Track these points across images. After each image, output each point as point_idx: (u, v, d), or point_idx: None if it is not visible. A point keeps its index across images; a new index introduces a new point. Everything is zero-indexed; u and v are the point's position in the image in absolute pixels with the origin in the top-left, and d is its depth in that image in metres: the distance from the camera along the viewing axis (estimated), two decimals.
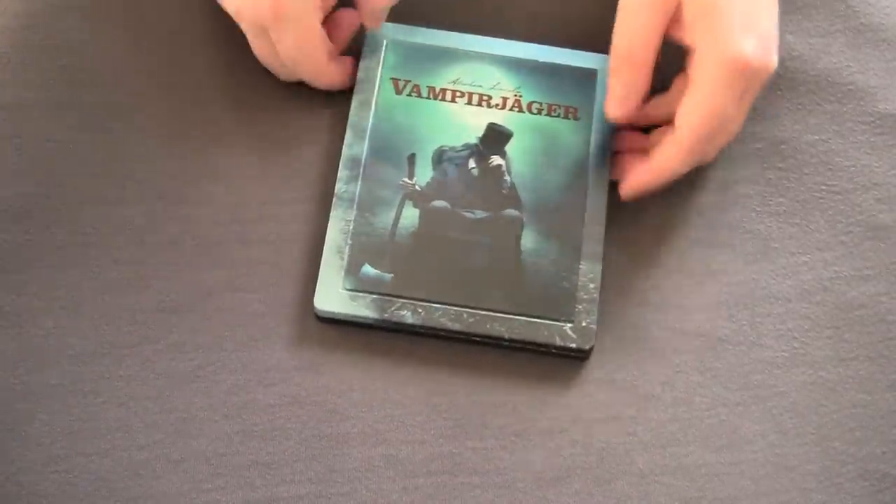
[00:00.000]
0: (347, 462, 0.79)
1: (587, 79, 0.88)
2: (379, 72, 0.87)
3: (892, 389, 0.82)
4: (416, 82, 0.87)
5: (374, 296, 0.81)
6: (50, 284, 0.82)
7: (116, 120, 0.86)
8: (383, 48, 0.88)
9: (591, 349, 0.81)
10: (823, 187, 0.87)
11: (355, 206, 0.83)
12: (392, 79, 0.87)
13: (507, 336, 0.80)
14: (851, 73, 0.90)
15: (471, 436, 0.79)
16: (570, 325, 0.81)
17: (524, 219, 0.83)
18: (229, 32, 0.89)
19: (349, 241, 0.82)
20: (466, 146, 0.85)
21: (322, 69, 0.85)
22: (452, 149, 0.85)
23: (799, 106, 0.89)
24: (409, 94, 0.87)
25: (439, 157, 0.85)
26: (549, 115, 0.86)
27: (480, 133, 0.86)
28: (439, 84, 0.87)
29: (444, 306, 0.81)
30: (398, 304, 0.81)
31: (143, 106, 0.87)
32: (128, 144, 0.86)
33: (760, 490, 0.79)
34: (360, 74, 0.87)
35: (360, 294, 0.81)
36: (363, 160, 0.84)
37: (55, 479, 0.78)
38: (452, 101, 0.86)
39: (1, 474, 0.78)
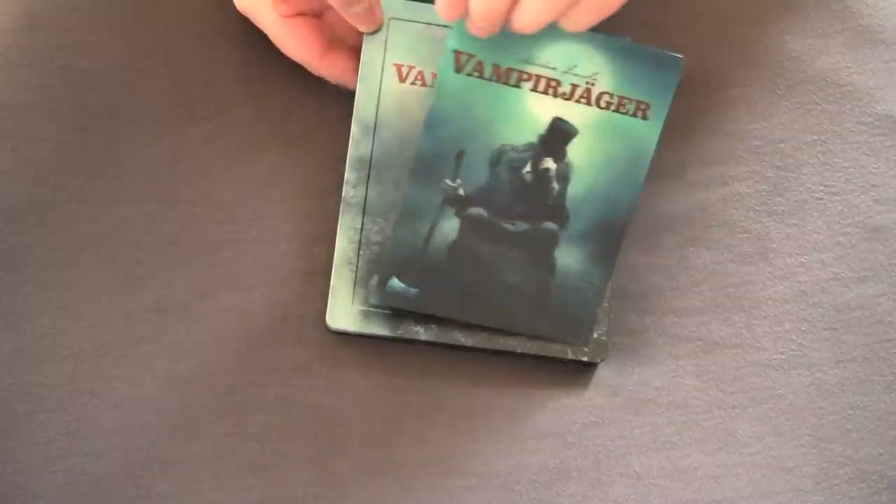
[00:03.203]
0: (345, 464, 0.79)
1: (670, 67, 0.78)
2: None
3: (890, 391, 0.82)
4: (481, 58, 0.76)
5: (388, 312, 0.80)
6: (47, 284, 0.82)
7: (113, 120, 0.86)
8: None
9: (602, 360, 0.81)
10: (821, 188, 0.87)
11: (364, 213, 0.81)
12: (455, 52, 0.76)
13: (519, 350, 0.80)
14: (850, 73, 0.90)
15: (467, 439, 0.79)
16: None
17: (560, 234, 0.78)
18: (229, 32, 0.89)
19: (360, 253, 0.81)
20: (529, 146, 0.77)
21: (312, 62, 0.84)
22: (513, 148, 0.77)
23: (797, 106, 0.89)
24: (471, 74, 0.77)
25: (499, 158, 0.78)
26: (617, 110, 0.78)
27: (543, 130, 0.77)
28: (506, 62, 0.76)
29: (457, 323, 0.80)
30: (411, 321, 0.80)
31: (141, 106, 0.86)
32: (125, 145, 0.86)
33: (757, 492, 0.79)
34: (363, 58, 0.82)
35: (374, 311, 0.80)
36: (417, 156, 0.77)
37: (52, 479, 0.78)
38: (517, 85, 0.77)
39: None
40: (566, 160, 0.77)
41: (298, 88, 0.88)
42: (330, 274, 0.82)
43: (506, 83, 0.76)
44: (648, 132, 0.78)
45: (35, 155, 0.85)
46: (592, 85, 0.77)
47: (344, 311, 0.80)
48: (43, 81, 0.87)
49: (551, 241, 0.78)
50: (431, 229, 0.77)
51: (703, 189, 0.86)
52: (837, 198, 0.87)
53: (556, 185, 0.77)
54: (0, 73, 0.87)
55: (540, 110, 0.77)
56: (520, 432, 0.80)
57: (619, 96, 0.77)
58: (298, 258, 0.83)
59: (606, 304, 0.80)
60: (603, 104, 0.77)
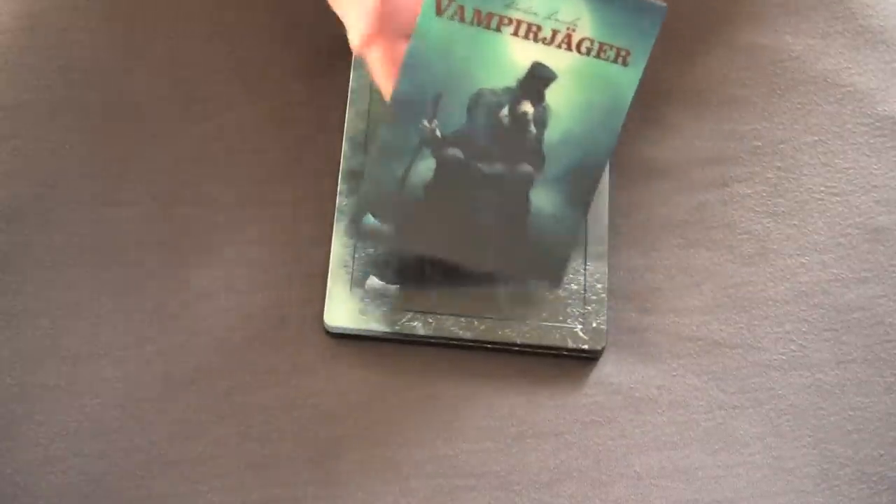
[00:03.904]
0: (344, 464, 0.79)
1: (651, 15, 0.76)
2: None
3: (890, 392, 0.82)
4: (462, 3, 0.76)
5: (384, 309, 0.80)
6: (47, 285, 0.82)
7: (113, 120, 0.86)
8: None
9: (602, 350, 0.81)
10: (822, 188, 0.87)
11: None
12: None
13: (518, 341, 0.80)
14: (850, 74, 0.90)
15: (467, 438, 0.80)
16: (580, 326, 0.81)
17: (536, 177, 0.78)
18: (229, 32, 0.89)
19: (355, 256, 0.82)
20: (508, 90, 0.77)
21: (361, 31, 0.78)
22: (492, 91, 0.77)
23: (798, 107, 0.89)
24: (452, 18, 0.76)
25: (476, 101, 0.77)
26: (598, 56, 0.77)
27: (521, 74, 0.77)
28: (487, 6, 0.76)
29: (454, 316, 0.81)
30: (408, 316, 0.80)
31: (141, 106, 0.87)
32: (125, 145, 0.86)
33: (758, 492, 0.79)
34: (351, 84, 0.86)
35: (370, 308, 0.81)
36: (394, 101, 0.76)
37: (52, 479, 0.78)
38: (498, 29, 0.76)
39: None
40: (544, 104, 0.77)
41: (298, 90, 0.88)
42: (327, 276, 0.82)
43: (486, 28, 0.76)
44: (628, 79, 0.77)
45: (35, 155, 0.85)
46: (573, 31, 0.76)
47: (341, 310, 0.80)
48: (43, 81, 0.87)
49: (526, 183, 0.78)
50: (408, 169, 0.77)
51: (703, 190, 0.86)
52: (838, 199, 0.87)
53: (533, 129, 0.77)
54: (0, 73, 0.87)
55: (520, 55, 0.76)
56: (520, 432, 0.80)
57: (600, 42, 0.76)
58: (297, 260, 0.83)
59: (604, 295, 0.81)
60: (583, 50, 0.76)
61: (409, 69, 0.76)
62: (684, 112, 0.88)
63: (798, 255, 0.85)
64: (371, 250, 0.82)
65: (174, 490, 0.78)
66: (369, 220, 0.78)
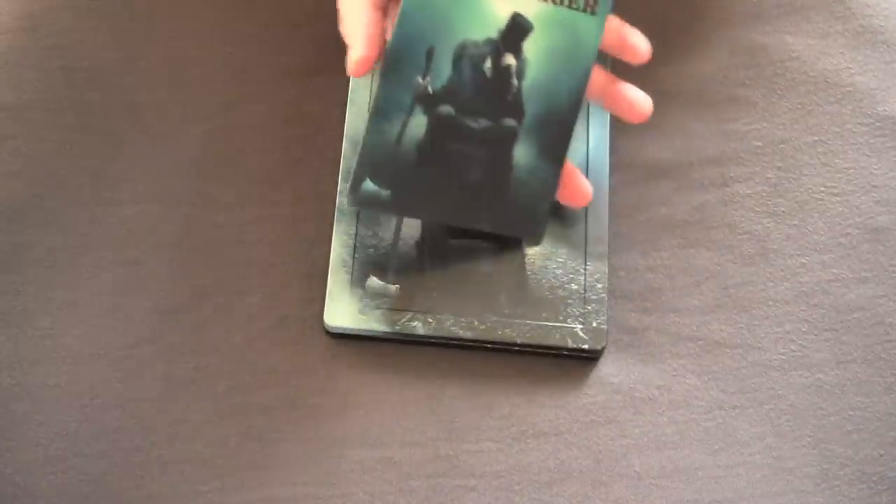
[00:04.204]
0: (344, 464, 0.78)
1: None
2: None
3: (890, 392, 0.82)
4: None
5: (384, 309, 0.80)
6: (47, 285, 0.82)
7: (114, 120, 0.86)
8: None
9: (602, 349, 0.81)
10: (822, 189, 0.87)
11: (357, 220, 0.82)
12: None
13: (518, 341, 0.80)
14: (851, 74, 0.90)
15: (467, 438, 0.79)
16: (580, 326, 0.81)
17: (519, 131, 0.78)
18: (229, 32, 0.89)
19: (355, 256, 0.82)
20: (487, 42, 0.77)
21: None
22: (475, 44, 0.77)
23: (798, 106, 0.89)
24: None
25: (460, 55, 0.77)
26: (568, 5, 0.77)
27: (503, 25, 0.77)
28: None
29: (454, 316, 0.81)
30: (408, 316, 0.80)
31: (141, 106, 0.86)
32: (125, 145, 0.86)
33: (758, 492, 0.79)
34: (351, 84, 0.86)
35: (370, 308, 0.80)
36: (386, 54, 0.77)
37: (52, 480, 0.78)
38: None
39: None
40: (522, 57, 0.77)
41: (298, 90, 0.88)
42: (327, 276, 0.82)
43: None
44: (594, 26, 0.77)
45: (35, 155, 0.85)
46: None
47: (341, 310, 0.80)
48: (43, 81, 0.87)
49: (511, 137, 0.78)
50: (403, 129, 0.77)
51: (703, 190, 0.86)
52: (838, 199, 0.87)
53: (515, 82, 0.77)
54: (0, 73, 0.87)
55: (498, 6, 0.77)
56: (520, 431, 0.80)
57: None
58: (297, 260, 0.83)
59: (604, 295, 0.81)
60: (558, 0, 0.77)
61: (401, 25, 0.76)
62: (684, 112, 0.88)
63: (798, 255, 0.85)
64: (371, 250, 0.82)
65: (174, 490, 0.78)
66: (368, 186, 0.78)
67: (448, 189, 0.78)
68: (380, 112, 0.77)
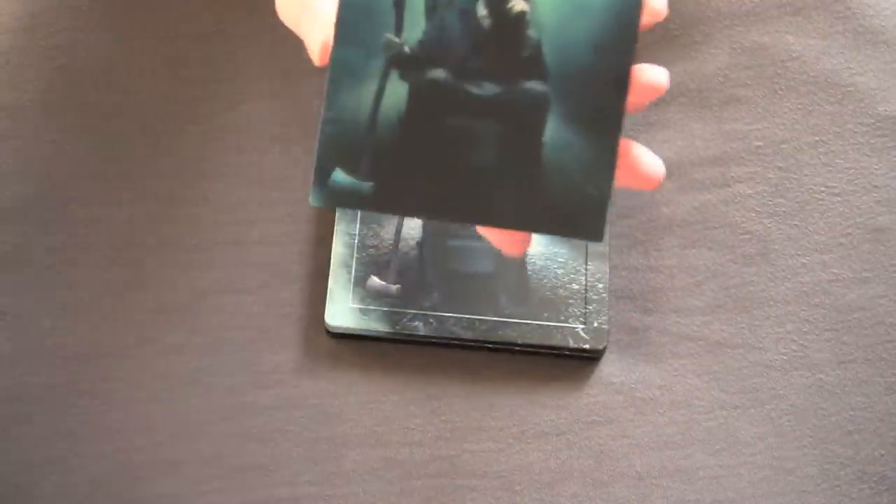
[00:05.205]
0: (346, 464, 0.78)
1: None
2: None
3: (891, 392, 0.82)
4: None
5: (385, 309, 0.80)
6: (48, 285, 0.82)
7: (114, 120, 0.86)
8: None
9: (604, 349, 0.81)
10: (823, 189, 0.87)
11: (358, 220, 0.82)
12: None
13: (519, 341, 0.80)
14: (851, 74, 0.90)
15: (469, 438, 0.79)
16: (581, 326, 0.81)
17: (549, 96, 0.60)
18: (229, 32, 0.89)
19: (355, 256, 0.82)
20: None
21: None
22: None
23: (799, 106, 0.89)
24: None
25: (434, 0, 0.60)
26: None
27: None
28: None
29: (455, 316, 0.80)
30: (409, 316, 0.80)
31: (142, 106, 0.86)
32: (126, 145, 0.85)
33: (759, 493, 0.79)
34: None
35: (371, 308, 0.80)
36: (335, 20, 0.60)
37: (53, 480, 0.78)
38: None
39: None
40: None
41: (299, 90, 0.88)
42: (328, 276, 0.82)
43: None
44: None
45: (35, 155, 0.85)
46: None
47: (342, 310, 0.80)
48: (43, 81, 0.87)
49: (540, 105, 0.60)
50: (377, 100, 0.60)
51: (704, 190, 0.86)
52: (839, 199, 0.87)
53: (531, 32, 0.60)
54: (0, 73, 0.87)
55: None
56: (521, 432, 0.80)
57: None
58: (298, 260, 0.83)
59: (605, 295, 0.80)
60: None
61: None
62: (685, 112, 0.88)
63: (799, 255, 0.85)
64: (372, 250, 0.81)
65: (174, 490, 0.78)
66: (339, 177, 0.61)
67: (449, 177, 0.61)
68: (340, 81, 0.60)
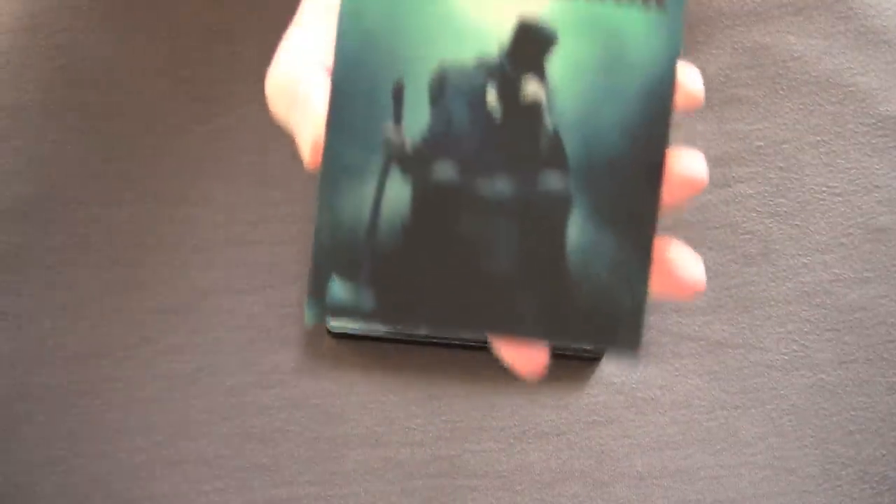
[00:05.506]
0: (346, 464, 0.78)
1: None
2: None
3: (892, 392, 0.82)
4: None
5: None
6: (48, 285, 0.82)
7: (115, 120, 0.86)
8: None
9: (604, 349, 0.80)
10: (824, 189, 0.87)
11: None
12: None
13: None
14: (853, 74, 0.90)
15: (469, 438, 0.79)
16: None
17: (571, 193, 0.54)
18: (229, 31, 0.89)
19: None
20: (483, 64, 0.54)
21: None
22: (461, 69, 0.54)
23: (800, 107, 0.89)
24: None
25: (440, 87, 0.54)
26: None
27: (506, 39, 0.54)
28: None
29: None
30: None
31: (142, 106, 0.86)
32: (126, 145, 0.85)
33: (760, 493, 0.79)
34: None
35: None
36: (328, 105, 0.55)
37: (54, 480, 0.77)
38: None
39: (0, 475, 0.78)
40: (549, 80, 0.55)
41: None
42: None
43: None
44: (666, 27, 0.54)
45: (35, 155, 0.85)
46: None
47: None
48: (43, 81, 0.87)
49: (562, 202, 0.55)
50: (376, 201, 0.55)
51: (705, 190, 0.86)
52: (840, 199, 0.87)
53: (548, 121, 0.54)
54: (0, 73, 0.87)
55: (499, 10, 0.54)
56: (522, 431, 0.80)
57: None
58: (298, 260, 0.83)
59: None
60: None
61: (346, 51, 0.54)
62: (686, 112, 0.88)
63: (800, 255, 0.85)
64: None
65: (175, 490, 0.78)
66: (337, 289, 0.55)
67: (461, 285, 0.55)
68: (334, 181, 0.54)
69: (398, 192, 0.55)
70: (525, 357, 0.56)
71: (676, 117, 0.88)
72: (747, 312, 0.83)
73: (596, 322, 0.55)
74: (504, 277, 0.55)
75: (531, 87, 0.54)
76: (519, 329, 0.55)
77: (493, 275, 0.55)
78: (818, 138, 0.88)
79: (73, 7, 0.89)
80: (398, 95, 0.55)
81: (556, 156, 0.54)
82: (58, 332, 0.81)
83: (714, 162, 0.87)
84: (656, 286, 0.56)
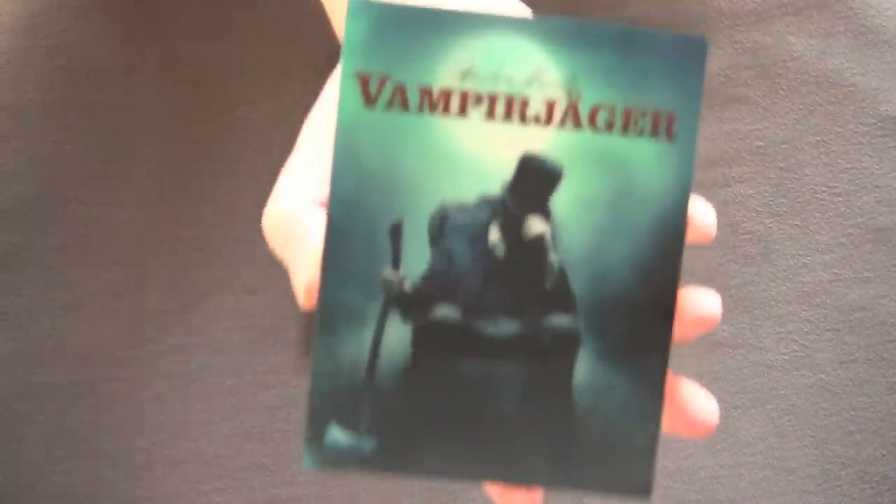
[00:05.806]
0: None
1: (691, 56, 0.53)
2: (339, 64, 0.55)
3: (893, 392, 0.82)
4: (401, 80, 0.52)
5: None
6: (49, 285, 0.82)
7: (115, 120, 0.86)
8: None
9: None
10: (824, 189, 0.87)
11: None
12: (359, 75, 0.53)
13: None
14: (853, 74, 0.90)
15: None
16: None
17: (581, 332, 0.53)
18: (229, 32, 0.89)
19: None
20: (485, 202, 0.53)
21: None
22: (462, 208, 0.53)
23: (800, 107, 0.89)
24: (390, 107, 0.52)
25: (441, 226, 0.53)
26: (624, 130, 0.52)
27: (508, 175, 0.53)
28: (439, 81, 0.52)
29: None
30: None
31: (143, 106, 0.86)
32: (126, 145, 0.85)
33: (760, 493, 0.79)
34: None
35: None
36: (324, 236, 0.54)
37: (54, 480, 0.78)
38: (462, 113, 0.52)
39: (0, 475, 0.78)
40: (554, 218, 0.53)
41: (301, 90, 0.88)
42: None
43: (444, 112, 0.53)
44: (678, 157, 0.53)
45: (35, 155, 0.85)
46: (578, 97, 0.53)
47: None
48: (43, 81, 0.87)
49: (569, 342, 0.53)
50: (375, 346, 0.53)
51: (704, 190, 0.86)
52: (840, 199, 0.87)
53: (553, 259, 0.53)
54: (0, 73, 0.87)
55: (500, 147, 0.53)
56: None
57: (625, 108, 0.53)
58: None
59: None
60: (601, 124, 0.53)
61: (340, 194, 0.53)
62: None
63: (800, 255, 0.85)
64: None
65: (175, 490, 0.78)
66: (336, 436, 0.54)
67: (464, 431, 0.54)
68: (330, 325, 0.53)
69: (398, 336, 0.53)
70: (520, 499, 0.55)
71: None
72: (747, 312, 0.83)
73: (606, 468, 0.54)
74: (509, 423, 0.54)
75: (535, 225, 0.53)
76: (524, 477, 0.54)
77: (498, 420, 0.54)
78: (818, 138, 0.88)
79: (73, 7, 0.89)
80: (396, 235, 0.53)
81: (562, 294, 0.53)
82: (58, 332, 0.81)
83: (714, 162, 0.87)
84: (667, 425, 0.55)
